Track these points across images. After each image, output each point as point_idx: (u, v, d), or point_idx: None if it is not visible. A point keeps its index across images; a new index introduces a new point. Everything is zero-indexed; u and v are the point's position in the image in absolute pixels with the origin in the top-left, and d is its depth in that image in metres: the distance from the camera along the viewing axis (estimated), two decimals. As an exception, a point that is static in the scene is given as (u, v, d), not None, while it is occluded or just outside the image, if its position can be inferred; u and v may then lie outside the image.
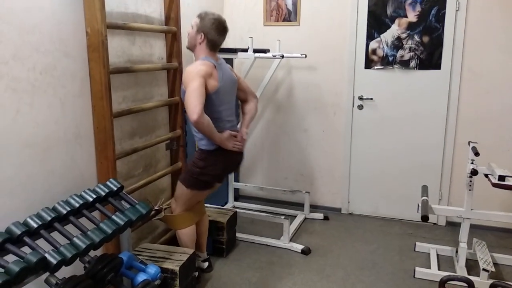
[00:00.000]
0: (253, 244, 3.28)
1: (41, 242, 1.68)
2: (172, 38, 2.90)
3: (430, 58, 3.42)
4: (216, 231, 3.04)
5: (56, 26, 2.01)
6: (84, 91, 2.20)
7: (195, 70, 2.30)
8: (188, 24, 3.08)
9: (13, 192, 1.85)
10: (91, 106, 2.25)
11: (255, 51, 3.31)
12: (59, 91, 2.05)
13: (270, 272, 2.89)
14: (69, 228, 1.82)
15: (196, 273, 2.68)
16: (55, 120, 2.04)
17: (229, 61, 3.51)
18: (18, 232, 1.64)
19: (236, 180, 4.09)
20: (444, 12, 3.31)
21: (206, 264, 2.83)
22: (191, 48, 2.51)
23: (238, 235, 3.32)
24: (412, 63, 3.47)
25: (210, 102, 2.35)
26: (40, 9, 1.92)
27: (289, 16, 3.72)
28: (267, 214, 3.46)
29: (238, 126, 2.70)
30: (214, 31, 2.41)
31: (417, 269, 2.84)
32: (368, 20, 3.51)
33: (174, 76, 2.95)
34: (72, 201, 1.90)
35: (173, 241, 2.88)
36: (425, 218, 2.59)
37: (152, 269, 2.13)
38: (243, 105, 2.74)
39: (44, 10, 1.94)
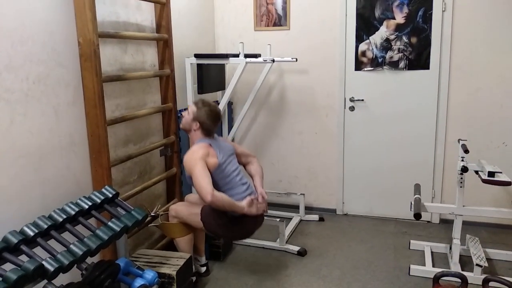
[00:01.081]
0: (249, 247, 3.30)
1: (38, 250, 1.70)
2: (164, 45, 2.93)
3: (418, 59, 3.47)
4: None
5: (48, 36, 2.03)
6: (77, 99, 2.23)
7: (194, 156, 2.42)
8: (179, 31, 3.14)
9: (9, 201, 1.87)
10: (85, 114, 2.27)
11: (246, 56, 3.34)
12: (52, 100, 2.07)
13: (267, 274, 2.92)
14: (66, 235, 1.83)
15: (194, 278, 2.69)
16: (49, 128, 2.06)
17: (221, 67, 3.55)
18: (15, 240, 1.65)
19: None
20: (431, 13, 3.37)
21: (204, 268, 2.85)
22: (186, 131, 2.63)
23: (235, 238, 3.34)
24: (401, 64, 3.52)
25: (217, 178, 2.45)
26: (32, 20, 1.94)
27: (279, 21, 3.77)
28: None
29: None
30: (209, 120, 2.53)
31: (412, 266, 2.88)
32: (356, 22, 3.56)
33: (167, 83, 2.98)
34: (68, 209, 1.91)
35: (170, 246, 2.90)
36: (418, 216, 2.63)
37: (149, 274, 2.14)
38: (247, 168, 2.80)
39: (37, 21, 1.97)
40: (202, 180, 2.31)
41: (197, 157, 2.40)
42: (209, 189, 2.27)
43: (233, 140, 4.03)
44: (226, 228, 2.52)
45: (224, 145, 2.64)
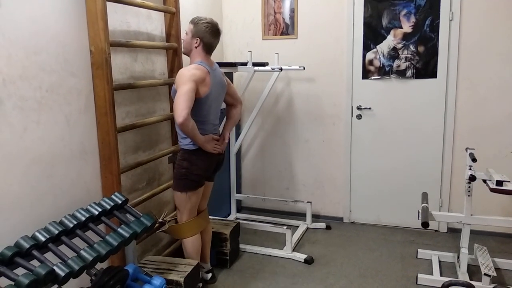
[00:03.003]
0: (256, 254, 3.31)
1: (49, 255, 1.73)
2: (173, 54, 2.97)
3: (426, 67, 3.49)
4: (219, 242, 3.08)
5: (61, 46, 2.08)
6: (88, 107, 2.27)
7: (189, 74, 2.37)
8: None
9: (21, 207, 1.91)
10: (96, 122, 2.31)
11: (254, 64, 3.38)
12: (64, 108, 2.12)
13: (273, 282, 2.92)
14: (76, 241, 1.86)
15: (200, 284, 2.71)
16: (61, 136, 2.10)
17: (229, 75, 3.59)
18: (27, 245, 1.69)
19: (238, 191, 4.14)
20: (438, 22, 3.38)
21: (210, 275, 2.86)
22: (187, 53, 2.58)
23: (241, 246, 3.35)
24: (409, 73, 3.54)
25: (198, 107, 2.43)
26: (46, 31, 1.99)
27: (287, 30, 3.81)
28: (270, 225, 3.49)
29: (220, 129, 2.82)
30: (209, 34, 2.49)
31: (420, 275, 2.87)
32: (364, 31, 3.59)
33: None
34: (79, 215, 1.95)
35: (177, 253, 2.92)
36: (425, 224, 2.63)
37: (157, 281, 2.17)
38: (229, 109, 2.82)
39: (50, 32, 2.02)
40: (184, 102, 2.27)
41: (191, 77, 2.35)
42: (185, 112, 2.25)
43: (240, 147, 4.06)
44: (191, 171, 2.53)
45: (220, 78, 2.62)
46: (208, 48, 2.52)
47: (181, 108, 2.26)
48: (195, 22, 2.50)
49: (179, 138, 2.58)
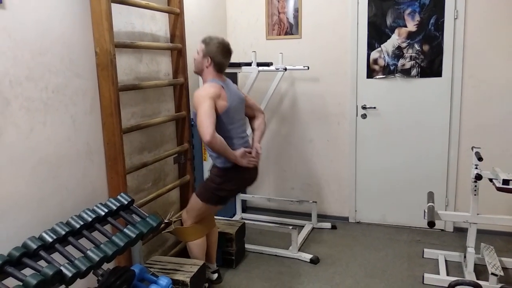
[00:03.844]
0: (261, 254, 3.31)
1: (56, 256, 1.73)
2: (178, 54, 2.98)
3: (431, 66, 3.47)
4: (225, 242, 3.08)
5: (66, 47, 2.09)
6: (94, 108, 2.28)
7: (204, 93, 2.38)
8: (192, 41, 3.17)
9: (28, 208, 1.92)
10: (101, 122, 2.32)
11: (259, 64, 3.38)
12: (70, 109, 2.13)
13: (279, 282, 2.92)
14: (83, 241, 1.87)
15: (206, 284, 2.71)
16: (67, 137, 2.11)
17: (234, 75, 3.59)
18: (34, 246, 1.69)
19: (244, 191, 4.14)
20: (443, 21, 3.37)
21: (216, 275, 2.86)
22: (199, 72, 2.59)
23: (247, 246, 3.35)
24: (413, 72, 3.52)
25: (221, 122, 2.42)
26: (51, 33, 2.00)
27: (291, 30, 3.81)
28: (275, 225, 3.49)
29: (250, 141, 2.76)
30: (220, 54, 2.50)
31: (426, 275, 2.85)
32: (368, 30, 3.58)
33: (181, 91, 3.02)
34: (85, 216, 1.95)
35: (183, 253, 2.92)
36: (431, 224, 2.62)
37: (164, 281, 2.17)
38: (252, 121, 2.80)
39: (56, 33, 2.02)
40: (206, 119, 2.27)
41: (207, 95, 2.35)
42: (210, 129, 2.24)
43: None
44: (222, 187, 2.52)
45: (236, 91, 2.61)
46: (219, 67, 2.52)
47: (205, 126, 2.26)
48: (206, 42, 2.51)
49: (212, 158, 2.56)
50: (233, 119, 2.51)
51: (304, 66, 3.53)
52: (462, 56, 3.37)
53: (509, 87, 3.30)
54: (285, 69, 3.39)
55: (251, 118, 2.79)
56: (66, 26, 2.09)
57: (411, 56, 3.51)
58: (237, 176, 2.55)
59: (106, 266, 1.93)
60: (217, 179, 2.54)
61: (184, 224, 2.71)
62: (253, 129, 2.78)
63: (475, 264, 2.86)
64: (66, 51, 2.09)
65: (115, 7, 2.36)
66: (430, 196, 2.95)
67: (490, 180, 2.73)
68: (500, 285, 2.42)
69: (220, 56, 2.49)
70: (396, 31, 3.51)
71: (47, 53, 1.98)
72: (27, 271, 1.60)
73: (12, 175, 1.83)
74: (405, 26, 3.48)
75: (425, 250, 3.24)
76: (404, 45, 3.51)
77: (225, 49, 2.51)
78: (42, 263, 1.68)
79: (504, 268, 2.94)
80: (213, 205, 2.63)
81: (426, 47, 3.46)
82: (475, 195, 2.78)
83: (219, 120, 2.40)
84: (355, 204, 3.91)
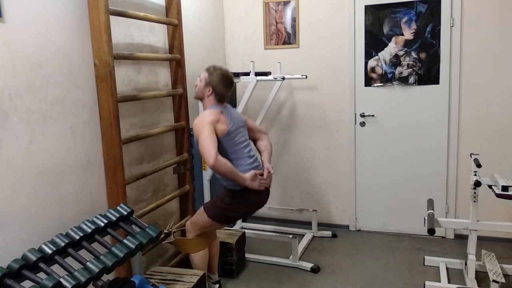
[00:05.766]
0: (262, 264, 3.30)
1: (56, 268, 1.73)
2: (177, 65, 3.00)
3: (428, 74, 3.49)
4: (225, 252, 3.07)
5: (66, 59, 2.11)
6: (93, 119, 2.29)
7: (204, 119, 2.42)
8: (190, 51, 3.20)
9: (27, 219, 1.92)
10: (101, 133, 2.33)
11: (257, 74, 3.39)
12: (69, 120, 2.14)
13: (280, 291, 2.91)
14: (82, 253, 1.86)
15: (207, 295, 2.70)
16: (66, 148, 2.12)
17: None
18: (34, 258, 1.69)
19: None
20: (439, 29, 3.40)
21: (217, 286, 2.85)
22: (199, 98, 2.63)
23: (247, 255, 3.34)
24: (411, 79, 3.54)
25: (224, 145, 2.45)
26: (51, 45, 2.02)
27: (289, 39, 3.84)
28: (275, 234, 3.49)
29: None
30: (222, 85, 2.53)
31: (427, 283, 2.84)
32: (365, 39, 3.61)
33: (180, 102, 3.04)
34: (84, 227, 1.95)
35: (183, 263, 2.91)
36: (431, 231, 2.61)
37: (164, 292, 2.16)
38: (257, 144, 2.80)
39: (55, 45, 2.04)
40: (207, 144, 2.29)
41: (207, 122, 2.38)
42: (212, 153, 2.25)
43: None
44: (232, 208, 2.52)
45: (236, 115, 2.63)
46: (220, 97, 2.55)
47: (208, 150, 2.28)
48: (210, 71, 2.55)
49: (222, 181, 2.55)
50: (237, 141, 2.52)
51: (302, 75, 3.55)
52: (459, 63, 3.39)
53: (507, 94, 3.32)
54: (283, 78, 3.41)
55: (255, 141, 2.80)
56: (66, 38, 2.10)
57: (408, 64, 3.53)
58: (247, 199, 2.54)
59: (106, 278, 1.93)
60: (226, 200, 2.54)
61: (187, 234, 2.70)
62: (260, 151, 2.77)
63: (476, 271, 2.84)
64: (65, 63, 2.10)
65: (113, 19, 2.38)
66: (430, 203, 2.95)
67: (490, 186, 2.73)
68: (501, 292, 2.41)
69: (221, 87, 2.53)
70: (393, 39, 3.54)
71: (47, 65, 2.00)
72: (27, 284, 1.60)
73: (11, 187, 1.84)
74: (402, 35, 3.51)
75: (426, 257, 3.23)
76: (401, 53, 3.53)
77: (227, 81, 2.55)
78: (41, 275, 1.67)
79: (506, 275, 2.93)
80: (219, 223, 2.62)
81: (423, 55, 3.48)
82: (474, 201, 2.78)
83: (221, 143, 2.42)
84: (355, 212, 3.90)
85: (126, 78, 2.59)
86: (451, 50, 3.40)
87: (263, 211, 4.10)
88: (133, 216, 2.19)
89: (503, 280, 2.66)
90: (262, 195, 2.61)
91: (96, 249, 1.89)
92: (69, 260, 1.79)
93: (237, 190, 2.50)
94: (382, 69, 3.60)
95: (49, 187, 2.02)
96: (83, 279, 1.70)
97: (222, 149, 2.38)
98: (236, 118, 2.60)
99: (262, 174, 2.56)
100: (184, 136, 3.07)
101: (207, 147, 2.28)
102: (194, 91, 2.66)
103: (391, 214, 3.79)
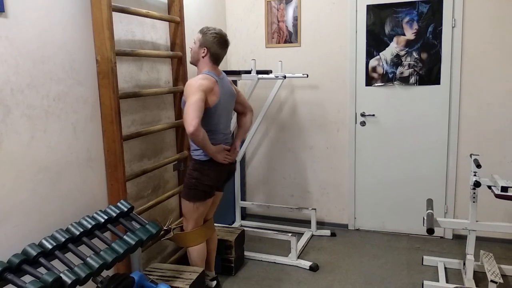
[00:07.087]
0: (261, 262, 3.31)
1: (56, 263, 1.74)
2: (178, 62, 3.00)
3: (429, 74, 3.50)
4: (224, 249, 3.08)
5: (68, 55, 2.11)
6: (95, 116, 2.29)
7: (197, 84, 2.39)
8: (192, 48, 3.19)
9: (28, 214, 1.92)
10: (102, 130, 2.33)
11: (258, 72, 3.40)
12: (71, 116, 2.14)
13: (279, 289, 2.92)
14: (83, 248, 1.87)
15: (206, 292, 2.71)
16: (67, 144, 2.13)
17: (233, 83, 3.61)
18: (34, 253, 1.70)
19: (243, 198, 4.14)
20: (441, 29, 3.40)
21: (214, 283, 2.86)
22: (194, 62, 2.60)
23: (246, 253, 3.35)
24: (412, 79, 3.55)
25: (208, 116, 2.45)
26: (53, 41, 2.02)
27: (290, 38, 3.84)
28: (274, 232, 3.49)
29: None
30: (216, 45, 2.50)
31: (426, 282, 2.85)
32: (367, 39, 3.61)
33: (181, 99, 3.03)
34: (85, 222, 1.96)
35: (182, 260, 2.92)
36: (430, 231, 2.62)
37: (163, 288, 2.17)
38: (239, 117, 2.83)
39: (57, 41, 2.05)
40: (193, 111, 2.28)
41: (200, 87, 2.36)
42: (195, 122, 2.26)
43: (244, 154, 4.08)
44: (200, 181, 2.53)
45: (229, 87, 2.63)
46: (215, 58, 2.53)
47: (191, 117, 2.28)
48: (203, 32, 2.52)
49: (191, 149, 2.60)
50: (220, 115, 2.53)
51: (303, 74, 3.55)
52: (460, 64, 3.40)
53: (507, 94, 3.32)
54: (285, 77, 3.41)
55: (239, 114, 2.82)
56: (68, 34, 2.11)
57: (409, 64, 3.53)
58: (213, 170, 2.56)
59: (105, 273, 1.94)
60: (194, 173, 2.56)
61: (184, 230, 2.71)
62: (238, 125, 2.82)
63: (474, 271, 2.86)
64: (67, 59, 2.11)
65: (116, 15, 2.39)
66: (429, 203, 2.96)
67: (489, 187, 2.74)
68: (499, 292, 2.42)
69: (216, 47, 2.50)
70: (395, 39, 3.54)
71: (49, 61, 2.00)
72: (27, 278, 1.61)
73: (12, 182, 1.84)
74: (404, 35, 3.51)
75: (425, 257, 3.24)
76: (402, 53, 3.54)
77: (221, 40, 2.52)
78: (41, 270, 1.68)
79: (504, 275, 2.94)
80: (201, 201, 2.60)
81: (424, 55, 3.48)
82: (474, 202, 2.79)
83: (207, 114, 2.42)
84: (354, 211, 3.91)
85: (127, 75, 2.60)
86: (452, 51, 3.40)
87: (262, 209, 4.12)
88: (133, 212, 2.20)
89: (501, 280, 2.67)
90: (227, 167, 2.65)
91: (96, 245, 1.90)
92: (69, 256, 1.80)
93: (203, 161, 2.53)
94: (383, 68, 3.61)
95: (50, 183, 2.03)
96: (83, 275, 1.71)
97: (204, 119, 2.39)
98: (228, 90, 2.60)
99: (229, 150, 2.62)
100: (184, 133, 3.07)
101: (192, 114, 2.28)
102: (190, 56, 2.61)
103: (390, 214, 3.80)
